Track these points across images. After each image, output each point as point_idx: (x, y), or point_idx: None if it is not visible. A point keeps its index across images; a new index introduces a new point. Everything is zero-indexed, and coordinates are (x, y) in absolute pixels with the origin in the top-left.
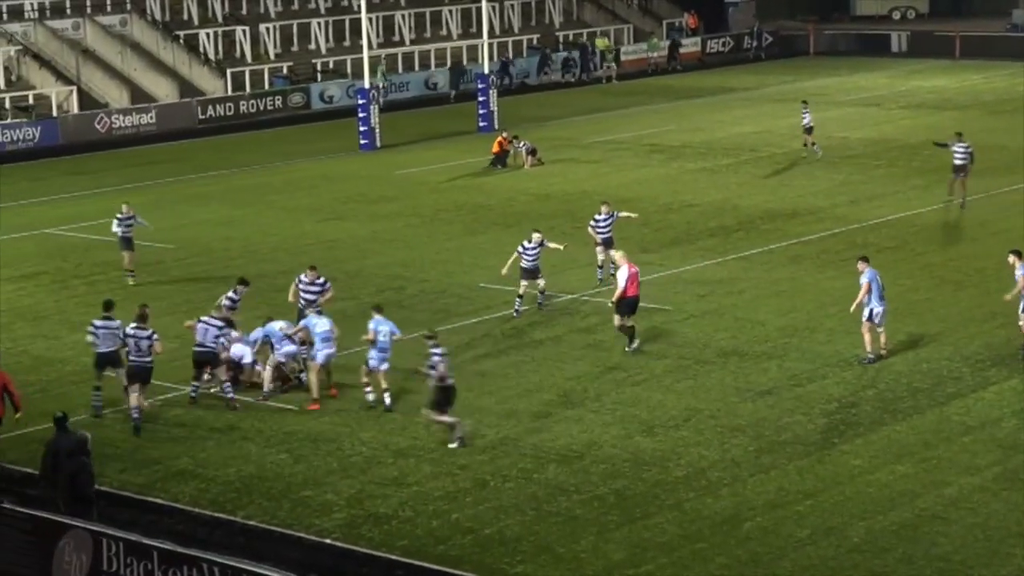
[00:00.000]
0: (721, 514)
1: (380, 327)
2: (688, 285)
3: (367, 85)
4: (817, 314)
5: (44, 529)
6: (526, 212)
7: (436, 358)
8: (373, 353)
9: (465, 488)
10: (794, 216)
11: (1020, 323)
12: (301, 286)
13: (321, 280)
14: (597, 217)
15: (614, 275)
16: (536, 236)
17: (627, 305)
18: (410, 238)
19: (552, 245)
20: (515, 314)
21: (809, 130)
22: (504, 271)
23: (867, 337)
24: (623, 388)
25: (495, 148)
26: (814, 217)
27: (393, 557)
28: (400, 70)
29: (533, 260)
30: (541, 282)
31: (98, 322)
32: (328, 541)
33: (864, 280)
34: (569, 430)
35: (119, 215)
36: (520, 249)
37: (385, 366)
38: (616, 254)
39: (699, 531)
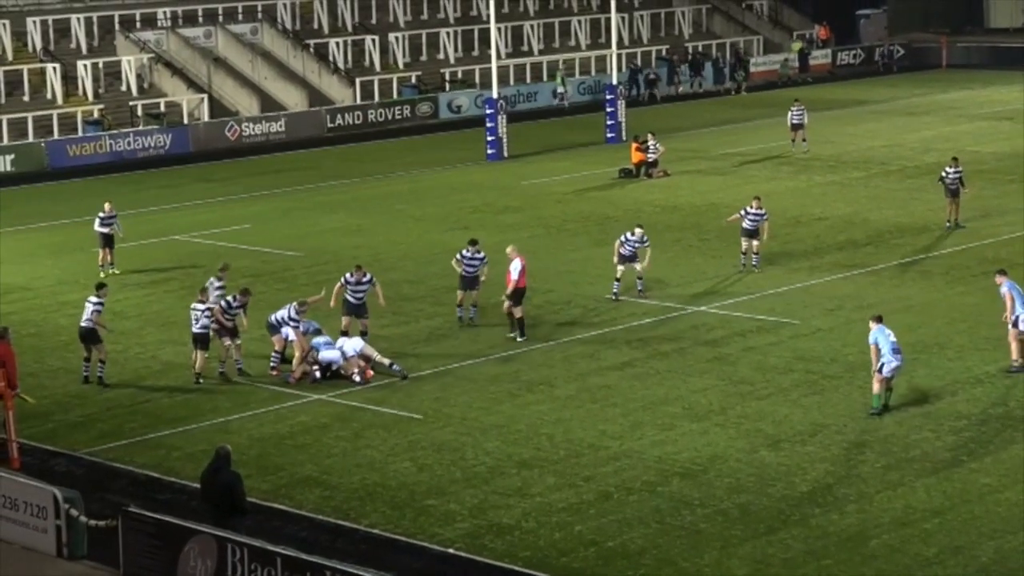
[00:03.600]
0: (847, 531)
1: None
2: (816, 299)
3: (495, 95)
4: (947, 330)
5: (170, 533)
6: (652, 224)
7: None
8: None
9: (588, 500)
10: (924, 231)
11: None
12: (349, 287)
13: (368, 277)
14: (629, 236)
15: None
16: (639, 231)
17: (519, 295)
18: (536, 248)
19: (647, 255)
20: (613, 297)
21: (797, 127)
22: (615, 259)
23: (1014, 345)
24: (748, 402)
25: (634, 158)
26: (944, 232)
27: (516, 568)
28: (528, 80)
29: (632, 250)
30: (638, 266)
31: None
32: (451, 551)
33: (1004, 291)
34: (694, 443)
35: (101, 214)
36: (623, 239)
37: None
38: (509, 248)
39: (824, 548)
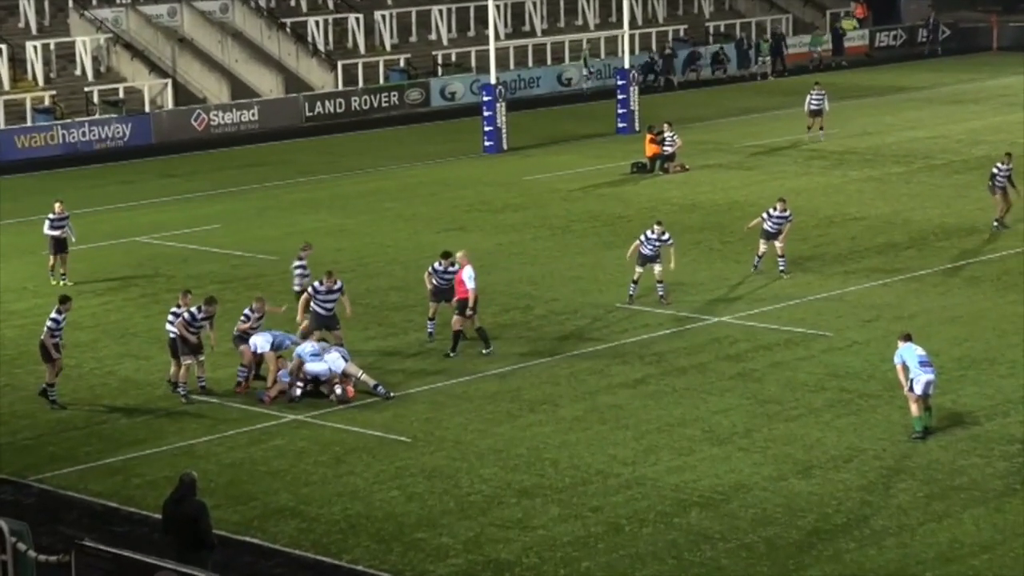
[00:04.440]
0: (886, 568)
1: None
2: (852, 308)
3: (492, 80)
4: (997, 344)
5: (128, 570)
6: (669, 224)
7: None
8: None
9: (597, 533)
10: (972, 233)
11: None
12: (319, 296)
13: (339, 285)
14: (649, 234)
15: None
16: (658, 228)
17: (464, 306)
18: (539, 252)
19: (671, 255)
20: (629, 300)
21: (816, 113)
22: (628, 255)
23: None
24: (776, 423)
25: (649, 151)
26: (995, 234)
27: None
28: (530, 64)
29: (653, 250)
30: (658, 268)
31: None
32: None
33: None
34: (715, 470)
35: (51, 215)
36: (643, 238)
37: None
38: (459, 253)
39: None
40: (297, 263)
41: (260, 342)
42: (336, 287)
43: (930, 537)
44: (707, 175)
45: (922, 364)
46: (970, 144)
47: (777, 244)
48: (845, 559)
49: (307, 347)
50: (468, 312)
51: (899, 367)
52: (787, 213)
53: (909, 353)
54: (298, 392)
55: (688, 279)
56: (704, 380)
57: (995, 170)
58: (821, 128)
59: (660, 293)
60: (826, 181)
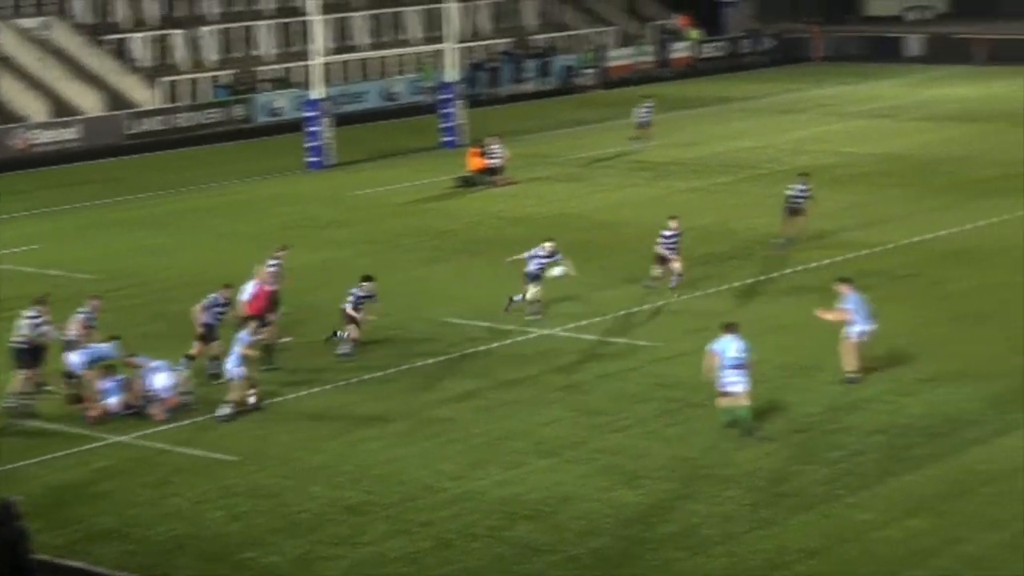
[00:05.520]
0: (714, 575)
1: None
2: (678, 319)
3: (314, 96)
4: (822, 352)
5: None
6: (496, 238)
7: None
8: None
9: (425, 548)
10: (797, 242)
11: None
12: (216, 308)
13: (225, 300)
14: (539, 252)
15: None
16: (548, 245)
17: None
18: (365, 268)
19: (558, 270)
20: (506, 310)
21: (644, 125)
22: (508, 260)
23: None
24: (604, 435)
25: (473, 165)
26: (819, 243)
27: None
28: (356, 78)
29: (539, 268)
30: (534, 289)
31: None
32: None
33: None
34: (543, 482)
35: None
36: (528, 254)
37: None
38: (259, 267)
39: None
40: (272, 262)
41: (76, 360)
42: (224, 302)
43: (757, 544)
44: (534, 188)
45: (732, 367)
46: (795, 153)
47: (675, 265)
48: (674, 568)
49: (154, 362)
50: (268, 321)
51: (711, 354)
52: (679, 231)
53: (725, 348)
54: (154, 411)
55: (514, 292)
56: (533, 393)
57: (789, 191)
58: (645, 140)
59: (535, 312)
60: (651, 192)
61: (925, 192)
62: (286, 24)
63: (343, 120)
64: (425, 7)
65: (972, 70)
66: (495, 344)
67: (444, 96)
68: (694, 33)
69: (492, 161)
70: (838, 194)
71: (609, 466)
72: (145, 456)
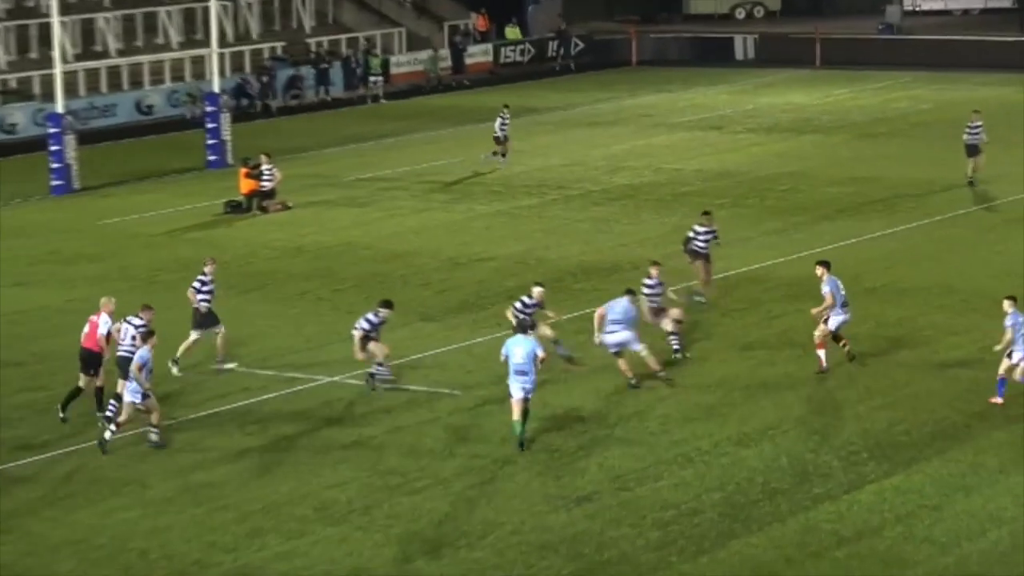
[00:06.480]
0: None
1: None
2: (482, 362)
3: (60, 109)
4: (646, 396)
5: None
6: (272, 271)
7: None
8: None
9: None
10: (615, 271)
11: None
12: (123, 333)
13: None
14: (527, 300)
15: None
16: (537, 291)
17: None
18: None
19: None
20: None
21: (500, 140)
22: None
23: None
24: (399, 497)
25: (244, 187)
26: (641, 272)
27: None
28: (104, 89)
29: (529, 314)
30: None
31: None
32: None
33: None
34: (330, 553)
35: None
36: (518, 306)
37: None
38: (103, 300)
39: None
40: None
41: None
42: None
43: None
44: (313, 213)
45: (517, 373)
46: (611, 171)
47: (674, 312)
48: None
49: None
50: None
51: (504, 358)
52: (660, 280)
53: (512, 349)
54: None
55: (292, 335)
56: (315, 450)
57: (692, 233)
58: (502, 154)
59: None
60: (449, 217)
61: (760, 214)
62: (22, 27)
63: (91, 137)
64: (182, 6)
65: (807, 74)
66: (272, 394)
67: (209, 109)
68: (511, 32)
69: (264, 183)
70: (662, 216)
71: (406, 534)
72: None
